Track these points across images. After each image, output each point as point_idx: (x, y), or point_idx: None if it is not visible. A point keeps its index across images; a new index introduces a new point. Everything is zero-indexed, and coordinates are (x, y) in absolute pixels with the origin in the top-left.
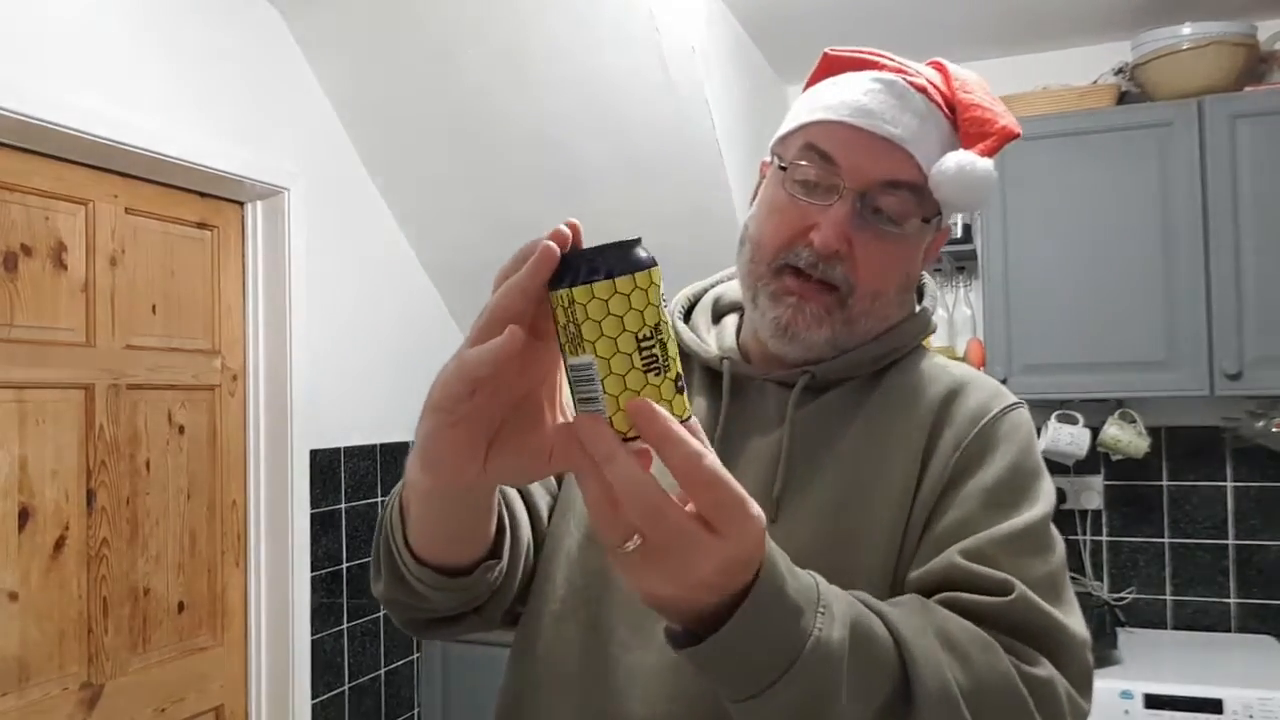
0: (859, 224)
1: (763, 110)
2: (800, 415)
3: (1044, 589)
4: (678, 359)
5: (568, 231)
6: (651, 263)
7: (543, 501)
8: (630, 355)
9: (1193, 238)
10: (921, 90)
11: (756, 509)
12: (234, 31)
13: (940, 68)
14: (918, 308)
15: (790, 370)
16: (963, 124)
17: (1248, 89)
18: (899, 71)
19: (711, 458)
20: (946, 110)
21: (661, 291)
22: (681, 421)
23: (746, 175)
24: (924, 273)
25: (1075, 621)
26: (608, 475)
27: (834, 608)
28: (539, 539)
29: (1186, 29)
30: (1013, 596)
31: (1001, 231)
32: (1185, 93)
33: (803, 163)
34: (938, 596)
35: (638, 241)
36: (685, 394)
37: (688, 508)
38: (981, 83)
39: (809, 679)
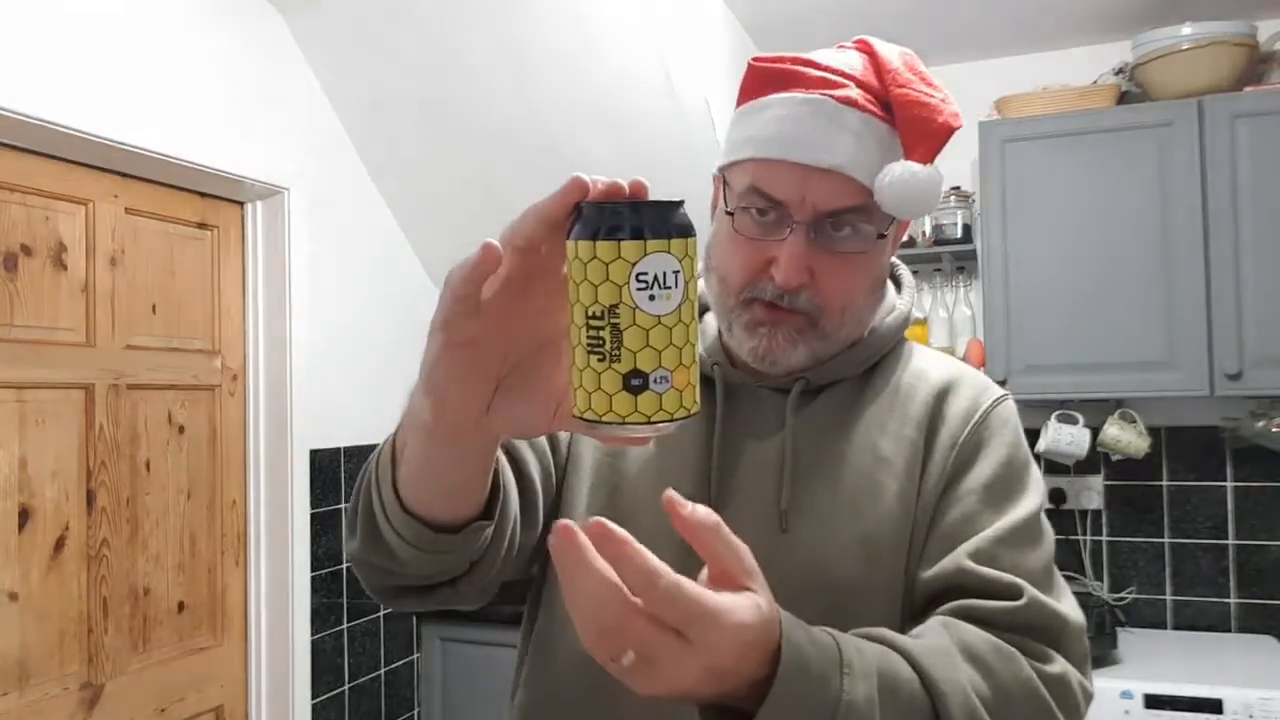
0: (816, 251)
1: None
2: (798, 420)
3: (1042, 580)
4: (648, 354)
5: (623, 185)
6: (621, 235)
7: (535, 470)
8: (580, 329)
9: (1193, 237)
10: (851, 104)
11: (745, 616)
12: (234, 31)
13: (866, 49)
14: (898, 300)
15: (782, 378)
16: (901, 126)
17: (1248, 89)
18: (824, 84)
19: (667, 575)
20: (881, 112)
21: (639, 272)
22: (623, 422)
23: None
24: (902, 266)
25: (1071, 608)
26: (572, 588)
27: (856, 664)
28: (530, 518)
29: (1187, 29)
30: (1024, 600)
31: (1001, 231)
32: (1185, 93)
33: (749, 206)
34: (952, 605)
35: (641, 208)
36: (648, 394)
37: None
38: (914, 64)
39: None
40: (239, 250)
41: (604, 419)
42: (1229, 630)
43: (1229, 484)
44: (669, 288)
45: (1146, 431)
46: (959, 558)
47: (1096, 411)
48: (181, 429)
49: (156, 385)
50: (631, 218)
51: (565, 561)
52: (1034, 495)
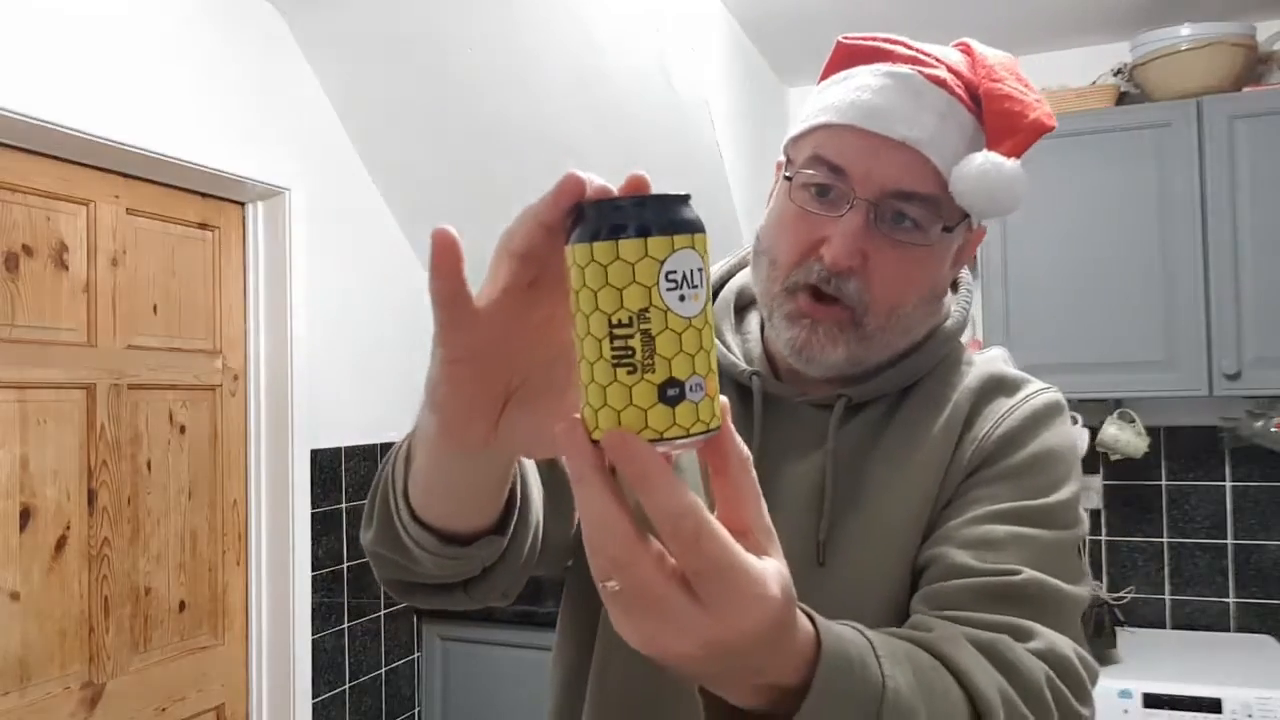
0: (873, 235)
1: (763, 112)
2: (839, 438)
3: (1045, 558)
4: (682, 360)
5: (601, 184)
6: (649, 230)
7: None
8: (600, 342)
9: (1191, 238)
10: (940, 84)
11: (771, 588)
12: (234, 31)
13: (966, 50)
14: (952, 305)
15: (825, 394)
16: (988, 118)
17: (1246, 89)
18: (915, 62)
19: (700, 514)
20: (970, 103)
21: (668, 270)
22: (661, 437)
23: (746, 177)
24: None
25: (1076, 589)
26: (576, 499)
27: (886, 648)
28: (562, 512)
29: (1185, 29)
30: (1021, 577)
31: (1001, 231)
32: (1184, 93)
33: (810, 172)
34: (933, 586)
35: (661, 201)
36: (685, 405)
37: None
38: (1012, 66)
39: None
40: (240, 250)
41: (640, 436)
42: (1228, 630)
43: (1227, 484)
44: (696, 286)
45: (1145, 431)
46: (939, 535)
47: (1095, 411)
48: (183, 429)
49: (158, 385)
50: (652, 213)
51: (570, 467)
52: (1062, 493)
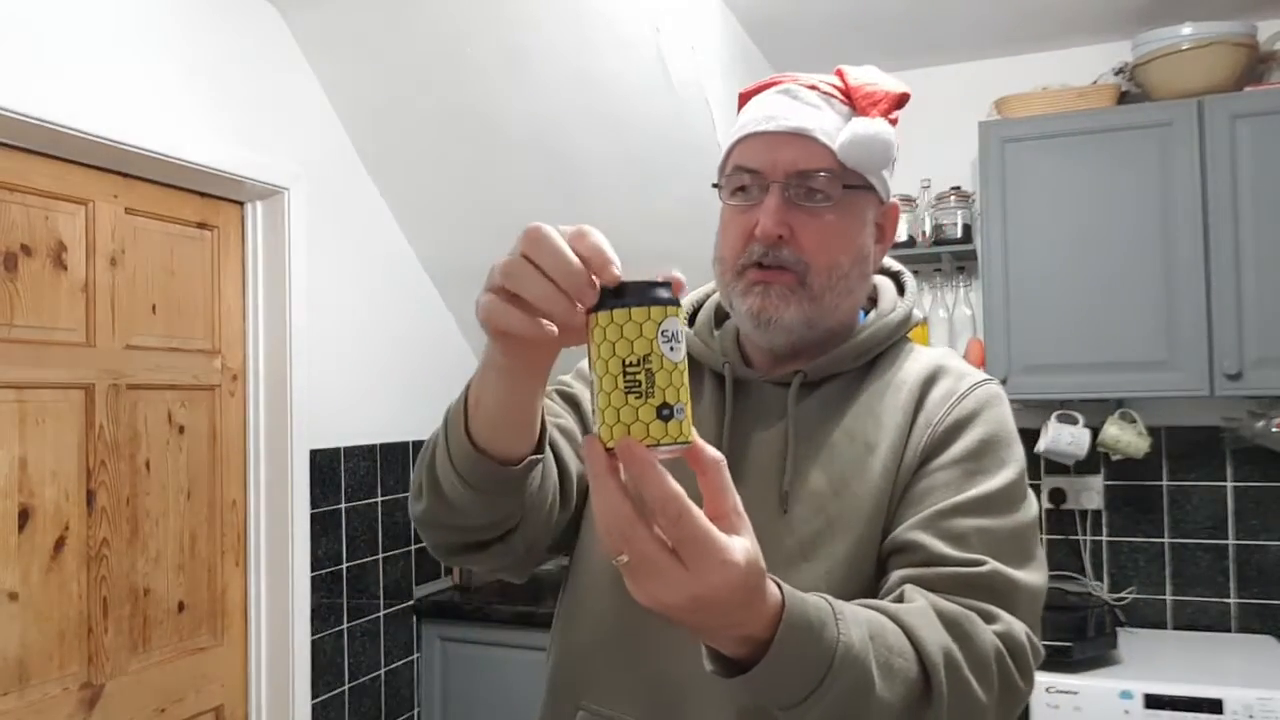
0: (792, 208)
1: None
2: (799, 410)
3: (1004, 547)
4: (671, 390)
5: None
6: (650, 302)
7: (571, 461)
8: (616, 376)
9: (1193, 237)
10: (813, 87)
11: (736, 555)
12: (234, 31)
13: (838, 73)
14: (899, 301)
15: (785, 373)
16: (856, 101)
17: (1248, 89)
18: (793, 82)
19: (682, 499)
20: (843, 97)
21: (663, 329)
22: (657, 444)
23: None
24: (907, 272)
25: (1031, 575)
26: (592, 493)
27: (848, 613)
28: (567, 497)
29: (1187, 29)
30: (985, 568)
31: (1001, 231)
32: (1185, 93)
33: (734, 178)
34: (905, 571)
35: (654, 285)
36: (673, 421)
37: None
38: (872, 69)
39: (845, 679)
40: (239, 250)
41: (643, 444)
42: (1229, 630)
43: (1229, 484)
44: (679, 342)
45: (1146, 431)
46: (915, 522)
47: (1096, 411)
48: (181, 429)
49: (156, 385)
50: (653, 292)
51: (590, 469)
52: (1008, 471)
